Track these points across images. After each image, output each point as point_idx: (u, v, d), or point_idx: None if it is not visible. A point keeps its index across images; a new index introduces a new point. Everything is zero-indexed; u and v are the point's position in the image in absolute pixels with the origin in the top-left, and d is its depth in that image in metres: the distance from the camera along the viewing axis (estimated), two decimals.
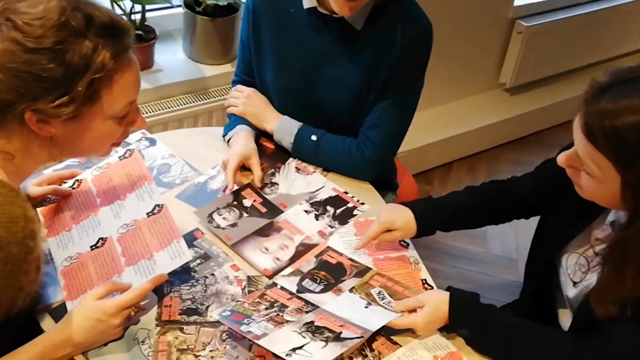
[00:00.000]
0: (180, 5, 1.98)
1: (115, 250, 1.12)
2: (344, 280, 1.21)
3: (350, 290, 1.18)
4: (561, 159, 1.07)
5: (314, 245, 1.28)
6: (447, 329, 1.15)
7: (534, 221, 1.38)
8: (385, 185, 1.62)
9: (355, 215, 1.36)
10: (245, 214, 1.31)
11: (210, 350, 1.05)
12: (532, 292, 1.34)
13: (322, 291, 1.18)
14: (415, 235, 1.29)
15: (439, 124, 2.75)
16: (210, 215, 1.29)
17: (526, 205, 1.36)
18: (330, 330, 1.08)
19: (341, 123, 1.46)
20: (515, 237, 2.44)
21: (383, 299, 1.17)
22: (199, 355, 1.04)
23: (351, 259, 1.25)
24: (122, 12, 1.84)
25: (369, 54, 1.37)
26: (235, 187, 1.36)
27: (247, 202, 1.34)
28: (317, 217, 1.34)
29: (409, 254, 1.30)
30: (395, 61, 1.35)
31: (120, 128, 1.02)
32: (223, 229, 1.27)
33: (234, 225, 1.28)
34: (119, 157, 1.26)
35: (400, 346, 1.11)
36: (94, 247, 1.14)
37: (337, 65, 1.39)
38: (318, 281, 1.20)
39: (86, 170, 1.28)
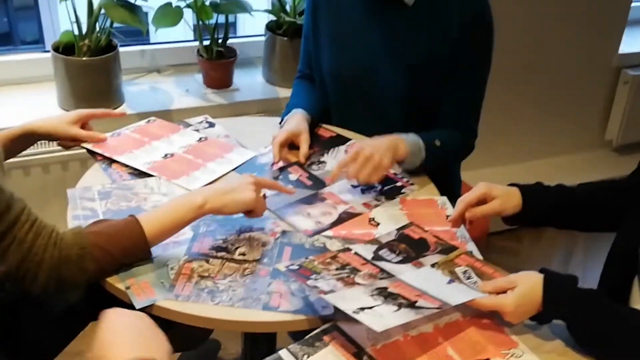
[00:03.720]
0: (263, 35, 2.23)
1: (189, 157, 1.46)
2: (425, 256, 1.21)
3: (433, 266, 1.17)
4: None
5: (358, 214, 1.33)
6: (539, 320, 1.05)
7: None
8: (447, 194, 1.66)
9: (404, 193, 1.42)
10: (290, 186, 1.40)
11: (230, 281, 1.12)
12: (609, 283, 1.28)
13: (400, 262, 1.18)
14: (519, 215, 1.25)
15: (534, 179, 2.72)
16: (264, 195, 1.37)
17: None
18: (404, 298, 1.05)
19: (395, 109, 1.55)
20: None
21: (469, 278, 1.14)
22: (218, 283, 1.11)
23: (437, 237, 1.26)
24: (206, 30, 2.09)
25: (425, 33, 1.48)
26: (282, 164, 1.47)
27: (292, 177, 1.44)
28: (363, 191, 1.41)
29: (457, 230, 1.31)
30: (456, 40, 1.45)
31: None
32: (267, 197, 1.34)
33: (277, 194, 1.36)
34: (197, 140, 1.54)
35: None
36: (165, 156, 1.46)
37: (392, 45, 1.51)
38: (397, 252, 1.21)
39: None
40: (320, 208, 1.35)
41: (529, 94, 2.63)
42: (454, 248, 1.23)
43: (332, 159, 1.52)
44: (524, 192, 1.27)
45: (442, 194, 1.53)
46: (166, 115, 2.01)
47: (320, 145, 1.57)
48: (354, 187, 1.42)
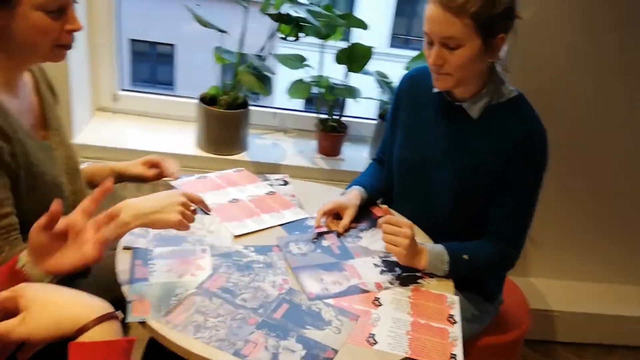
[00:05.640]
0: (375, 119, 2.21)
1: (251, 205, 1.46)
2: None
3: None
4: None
5: (366, 292, 1.24)
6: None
7: None
8: (482, 292, 1.49)
9: (419, 283, 1.29)
10: (318, 250, 1.34)
11: (219, 321, 1.08)
12: None
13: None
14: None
15: (610, 299, 2.35)
16: (288, 244, 1.35)
17: None
18: None
19: (444, 205, 1.44)
20: None
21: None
22: (208, 320, 1.08)
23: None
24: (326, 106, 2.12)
25: (482, 145, 1.38)
26: (323, 229, 1.41)
27: (325, 243, 1.38)
28: (382, 272, 1.30)
29: (452, 330, 1.16)
30: (509, 157, 1.34)
31: (56, 25, 1.10)
32: (293, 254, 1.32)
33: (304, 254, 1.32)
34: (266, 193, 1.55)
35: None
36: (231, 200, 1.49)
37: (452, 148, 1.42)
38: None
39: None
40: (334, 276, 1.27)
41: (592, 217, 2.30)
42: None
43: (370, 237, 1.43)
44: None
45: (478, 293, 1.38)
46: (276, 167, 2.06)
47: (368, 222, 1.49)
48: (376, 265, 1.32)
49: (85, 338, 0.77)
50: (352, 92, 2.04)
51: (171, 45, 9.41)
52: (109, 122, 2.17)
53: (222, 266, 1.23)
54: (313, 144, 2.22)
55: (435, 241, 1.42)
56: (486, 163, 1.38)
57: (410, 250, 1.28)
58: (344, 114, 2.23)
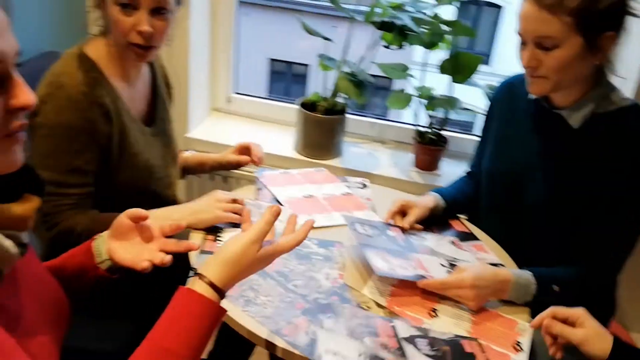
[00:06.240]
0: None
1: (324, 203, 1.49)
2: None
3: None
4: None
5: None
6: None
7: None
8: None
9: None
10: (383, 237, 1.34)
11: (268, 300, 1.13)
12: None
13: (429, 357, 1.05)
14: None
15: None
16: (354, 223, 1.36)
17: None
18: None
19: (537, 220, 1.36)
20: None
21: None
22: (259, 297, 1.14)
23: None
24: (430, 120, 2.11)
25: (584, 159, 1.27)
26: (391, 222, 1.41)
27: (390, 233, 1.37)
28: (448, 272, 1.26)
29: (515, 357, 1.08)
30: (618, 174, 1.22)
31: (127, 22, 1.22)
32: (359, 233, 1.32)
33: (369, 236, 1.32)
34: (341, 193, 1.58)
35: None
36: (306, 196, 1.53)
37: (548, 159, 1.33)
38: (435, 351, 1.06)
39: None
40: (401, 262, 1.25)
41: None
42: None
43: (435, 240, 1.40)
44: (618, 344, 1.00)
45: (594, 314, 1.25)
46: (367, 176, 2.07)
47: (440, 229, 1.46)
48: (443, 266, 1.28)
49: (196, 287, 0.84)
50: (452, 103, 2.01)
51: (305, 65, 9.84)
52: (221, 122, 2.35)
53: None
54: (410, 156, 2.21)
55: (520, 262, 1.34)
56: (588, 179, 1.26)
57: (481, 299, 1.18)
58: (446, 127, 2.19)
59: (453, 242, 1.41)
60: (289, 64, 10.12)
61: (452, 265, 1.29)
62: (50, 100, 1.21)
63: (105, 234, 1.03)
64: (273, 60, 10.06)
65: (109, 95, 1.27)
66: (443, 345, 1.07)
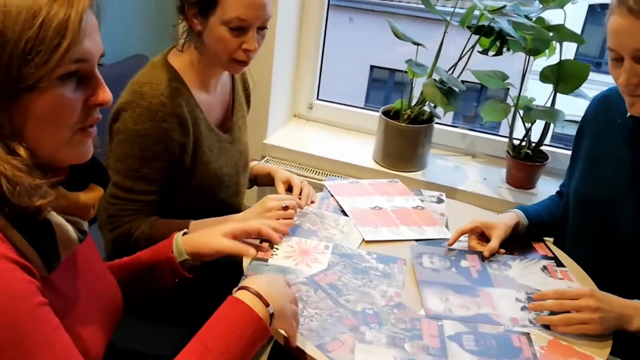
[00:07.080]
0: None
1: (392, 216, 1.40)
2: None
3: None
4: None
5: (497, 325, 1.07)
6: None
7: None
8: None
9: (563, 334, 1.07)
10: (453, 269, 1.22)
11: (316, 313, 1.06)
12: None
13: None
14: None
15: None
16: (421, 255, 1.26)
17: None
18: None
19: (631, 254, 1.21)
20: None
21: None
22: (307, 309, 1.06)
23: None
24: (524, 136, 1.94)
25: None
26: (465, 248, 1.28)
27: (464, 263, 1.24)
28: (523, 308, 1.12)
29: None
30: None
31: (234, 42, 1.23)
32: (423, 267, 1.22)
33: (435, 270, 1.21)
34: (413, 207, 1.46)
35: None
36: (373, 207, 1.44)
37: None
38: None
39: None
40: (463, 300, 1.13)
41: None
42: None
43: (521, 268, 1.25)
44: None
45: None
46: (452, 192, 1.94)
47: (525, 252, 1.31)
48: (518, 300, 1.14)
49: (243, 297, 0.87)
50: (552, 116, 1.82)
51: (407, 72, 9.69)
52: (301, 128, 2.32)
53: (338, 264, 1.20)
54: (502, 172, 2.04)
55: (606, 291, 1.16)
56: None
57: (607, 323, 1.05)
58: (546, 141, 1.99)
59: (546, 267, 1.26)
60: (391, 71, 10.01)
61: (530, 299, 1.15)
62: (131, 108, 1.24)
63: (181, 233, 1.09)
64: (373, 67, 9.99)
65: (188, 105, 1.30)
66: (490, 339, 1.03)
